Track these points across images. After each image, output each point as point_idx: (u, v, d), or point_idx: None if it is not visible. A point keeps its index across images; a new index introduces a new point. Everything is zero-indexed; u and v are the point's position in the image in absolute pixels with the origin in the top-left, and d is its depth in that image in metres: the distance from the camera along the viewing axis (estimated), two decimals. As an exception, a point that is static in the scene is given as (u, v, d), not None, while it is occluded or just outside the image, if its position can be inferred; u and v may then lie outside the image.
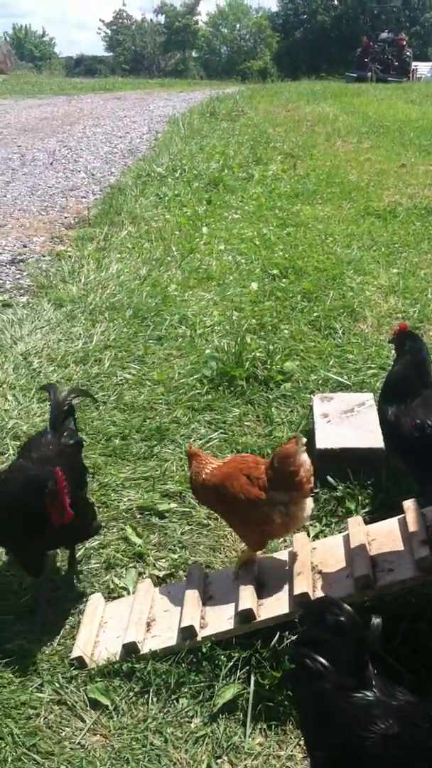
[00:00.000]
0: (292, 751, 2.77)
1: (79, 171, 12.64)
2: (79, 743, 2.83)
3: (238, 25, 64.10)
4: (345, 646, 2.23)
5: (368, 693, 2.17)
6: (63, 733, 2.87)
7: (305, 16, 52.86)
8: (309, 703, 2.23)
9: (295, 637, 2.64)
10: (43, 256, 8.32)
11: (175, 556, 3.72)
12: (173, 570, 3.63)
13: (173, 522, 3.94)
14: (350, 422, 4.19)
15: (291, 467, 3.09)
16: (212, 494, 3.31)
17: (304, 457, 3.10)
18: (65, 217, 9.91)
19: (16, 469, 3.40)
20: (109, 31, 63.77)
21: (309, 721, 2.26)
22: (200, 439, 4.58)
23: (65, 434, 3.57)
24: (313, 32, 50.72)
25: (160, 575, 3.60)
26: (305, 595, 3.00)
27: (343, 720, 2.11)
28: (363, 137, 13.66)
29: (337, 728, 2.11)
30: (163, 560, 3.69)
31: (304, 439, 3.17)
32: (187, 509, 4.03)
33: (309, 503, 3.17)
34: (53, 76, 36.53)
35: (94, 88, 28.56)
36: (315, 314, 6.08)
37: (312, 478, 3.15)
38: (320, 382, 5.09)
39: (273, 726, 2.85)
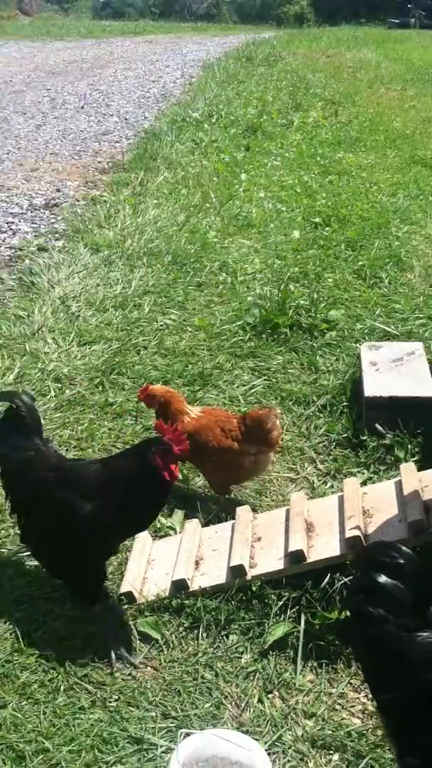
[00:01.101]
0: (343, 689, 2.80)
1: (112, 115, 12.50)
2: (130, 674, 2.87)
3: (273, -32, 62.55)
4: (406, 589, 2.23)
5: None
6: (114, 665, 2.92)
7: (345, -42, 51.29)
8: (371, 648, 2.24)
9: (350, 583, 2.61)
10: (78, 201, 8.28)
11: (221, 499, 3.74)
12: (219, 512, 3.65)
13: (218, 465, 3.95)
14: (399, 371, 4.16)
15: (267, 428, 3.52)
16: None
17: (278, 423, 3.59)
18: (99, 162, 9.83)
19: (73, 468, 3.09)
20: (139, -27, 62.51)
21: (373, 667, 2.27)
22: (243, 386, 4.58)
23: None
24: (353, -25, 49.19)
25: (207, 517, 3.62)
26: (357, 538, 3.01)
27: (410, 661, 2.11)
28: (407, 84, 13.38)
29: (404, 670, 2.12)
30: (209, 502, 3.71)
31: (279, 411, 3.71)
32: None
33: (272, 455, 3.70)
34: (80, 19, 35.88)
35: (123, 31, 28.06)
36: (360, 263, 6.02)
37: (280, 439, 3.71)
38: (366, 331, 5.06)
39: (323, 664, 2.88)
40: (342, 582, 2.99)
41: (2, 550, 3.44)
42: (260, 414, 3.58)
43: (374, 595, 2.21)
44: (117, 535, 3.05)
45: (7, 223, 7.69)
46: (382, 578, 2.23)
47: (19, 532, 3.26)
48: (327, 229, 6.73)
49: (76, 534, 2.93)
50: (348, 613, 2.33)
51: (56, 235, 7.29)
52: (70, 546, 2.97)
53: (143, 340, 5.12)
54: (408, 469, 3.34)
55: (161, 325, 5.30)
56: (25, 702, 2.76)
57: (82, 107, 13.22)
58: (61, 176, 9.25)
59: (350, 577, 2.99)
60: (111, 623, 3.03)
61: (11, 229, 7.53)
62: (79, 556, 2.99)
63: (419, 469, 3.44)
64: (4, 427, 3.26)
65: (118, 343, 5.06)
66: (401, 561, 2.25)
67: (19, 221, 7.73)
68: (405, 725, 2.15)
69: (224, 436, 3.58)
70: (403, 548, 2.29)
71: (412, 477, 3.25)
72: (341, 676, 2.84)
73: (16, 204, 8.24)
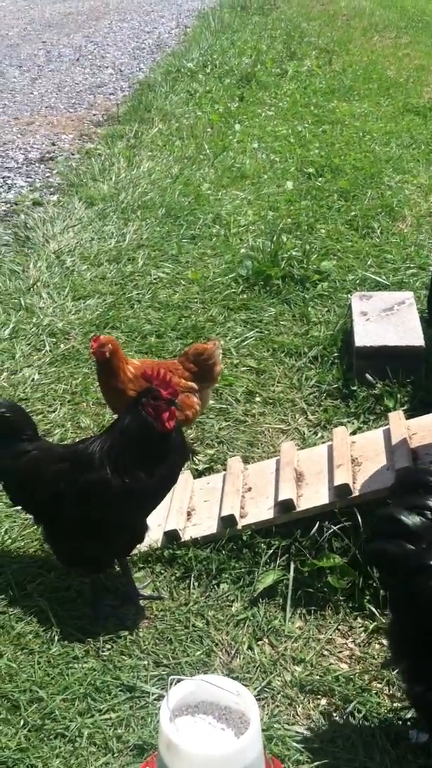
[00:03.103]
0: (331, 635, 2.84)
1: (107, 67, 12.29)
2: (122, 624, 2.91)
3: None
4: None
5: None
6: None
7: None
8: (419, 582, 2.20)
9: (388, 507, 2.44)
10: (73, 154, 8.19)
11: (212, 451, 3.76)
12: (211, 464, 3.67)
13: (210, 418, 3.97)
14: (390, 320, 4.15)
15: (211, 361, 3.60)
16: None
17: (219, 356, 3.69)
18: (93, 115, 9.70)
19: (82, 450, 2.92)
20: None
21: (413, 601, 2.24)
22: (236, 338, 4.57)
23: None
24: None
25: (199, 468, 3.64)
26: (345, 486, 3.03)
27: None
28: (401, 32, 13.07)
29: None
30: (201, 455, 3.73)
31: (221, 342, 3.81)
32: (224, 406, 4.05)
33: (210, 391, 3.79)
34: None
35: (119, -19, 27.46)
36: (352, 213, 5.96)
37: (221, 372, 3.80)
38: (358, 281, 5.03)
39: (312, 611, 2.93)
40: (330, 530, 3.02)
41: (-3, 504, 3.47)
42: (206, 347, 3.62)
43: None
44: (152, 497, 2.89)
45: (3, 177, 7.62)
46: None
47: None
48: (320, 179, 6.65)
49: (111, 510, 2.80)
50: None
51: (51, 189, 7.23)
52: (110, 524, 2.84)
53: (137, 293, 5.10)
54: (396, 417, 3.35)
55: (155, 279, 5.28)
56: (19, 652, 2.81)
57: (78, 60, 12.99)
58: (57, 130, 9.13)
59: (339, 525, 3.02)
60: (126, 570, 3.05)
61: (7, 183, 7.47)
62: (121, 531, 2.90)
63: (409, 417, 3.45)
64: None
65: (112, 297, 5.05)
66: None
67: (15, 176, 7.66)
68: None
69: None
70: None
71: (400, 425, 3.26)
72: (329, 623, 2.89)
73: (12, 158, 8.16)
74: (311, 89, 9.49)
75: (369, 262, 5.24)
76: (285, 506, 3.08)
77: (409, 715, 2.53)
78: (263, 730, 2.43)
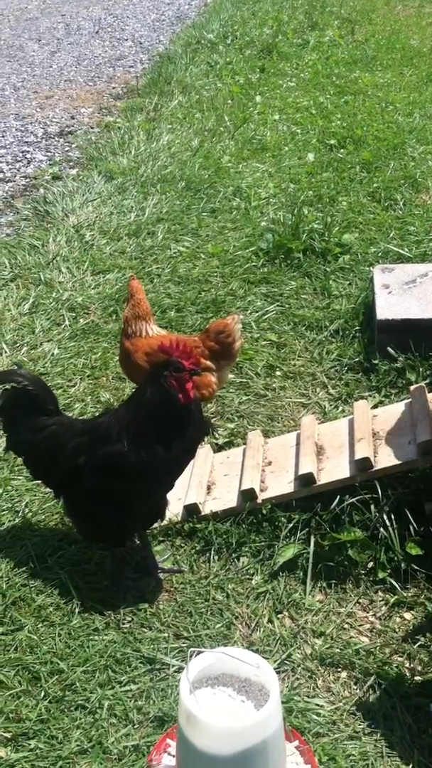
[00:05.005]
0: (351, 609, 2.83)
1: (126, 39, 12.20)
2: (142, 596, 2.92)
3: None
4: None
5: None
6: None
7: None
8: None
9: None
10: (92, 128, 8.15)
11: (232, 425, 3.74)
12: (231, 438, 3.65)
13: (230, 392, 3.95)
14: (412, 293, 4.10)
15: (230, 339, 3.53)
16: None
17: (239, 331, 3.59)
18: (113, 88, 9.64)
19: (101, 423, 2.92)
20: None
21: None
22: (256, 312, 4.54)
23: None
24: None
25: (219, 443, 3.63)
26: (366, 460, 3.00)
27: None
28: (424, 1, 12.86)
29: None
30: (221, 429, 3.72)
31: (241, 316, 3.64)
32: (244, 380, 4.03)
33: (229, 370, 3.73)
34: None
35: None
36: (375, 185, 5.90)
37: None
38: (380, 254, 4.98)
39: (333, 585, 2.92)
40: (351, 504, 3.00)
41: (19, 478, 3.48)
42: (227, 323, 3.54)
43: None
44: (169, 471, 2.85)
45: (22, 151, 7.61)
46: None
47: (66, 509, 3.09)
48: (342, 151, 6.59)
49: (129, 483, 2.78)
50: None
51: (70, 163, 7.21)
52: (129, 497, 2.82)
53: (157, 268, 5.08)
54: (418, 390, 3.31)
55: (175, 253, 5.25)
56: (40, 624, 2.82)
57: (97, 32, 12.90)
58: (76, 103, 9.09)
59: (359, 499, 3.00)
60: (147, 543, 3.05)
61: (26, 158, 7.46)
62: (140, 504, 2.88)
63: (430, 391, 3.41)
64: (16, 411, 3.04)
65: (132, 271, 5.02)
66: None
67: (34, 150, 7.64)
68: None
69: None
70: None
71: (422, 398, 3.22)
72: (350, 596, 2.88)
73: (31, 132, 8.13)
74: (333, 60, 9.37)
75: (391, 235, 5.19)
76: (305, 480, 3.06)
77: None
78: (283, 703, 2.43)
